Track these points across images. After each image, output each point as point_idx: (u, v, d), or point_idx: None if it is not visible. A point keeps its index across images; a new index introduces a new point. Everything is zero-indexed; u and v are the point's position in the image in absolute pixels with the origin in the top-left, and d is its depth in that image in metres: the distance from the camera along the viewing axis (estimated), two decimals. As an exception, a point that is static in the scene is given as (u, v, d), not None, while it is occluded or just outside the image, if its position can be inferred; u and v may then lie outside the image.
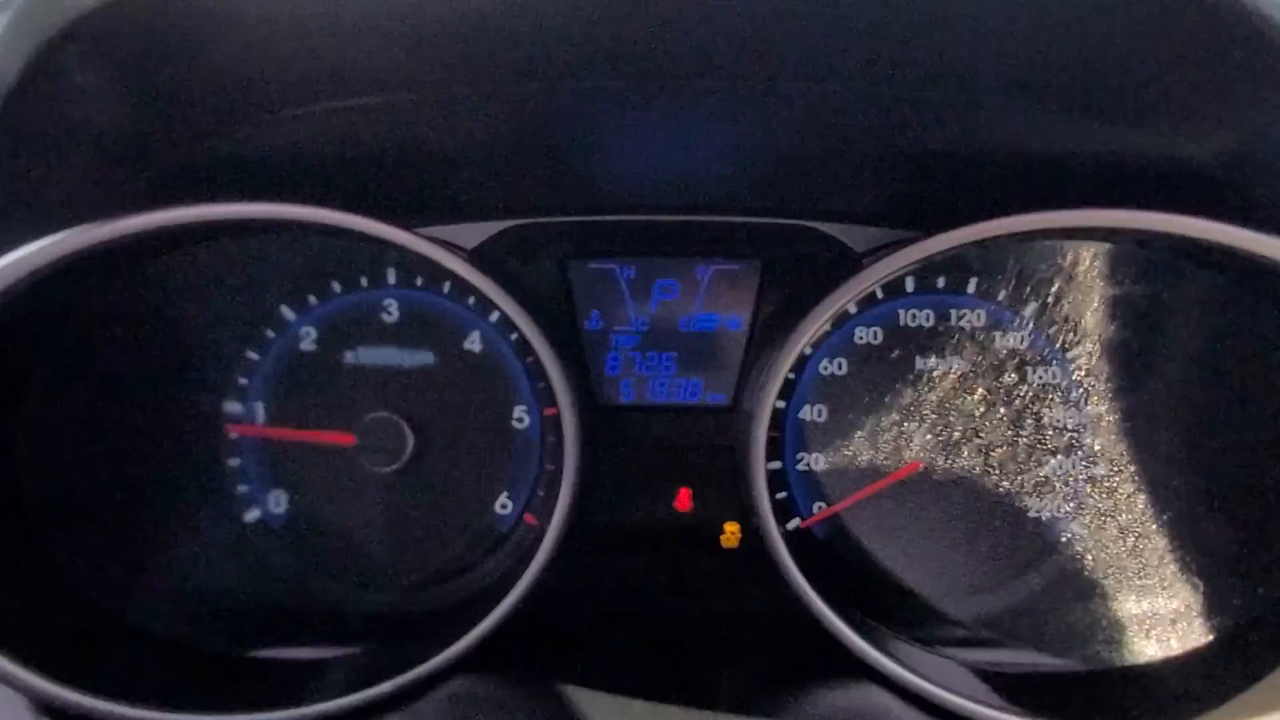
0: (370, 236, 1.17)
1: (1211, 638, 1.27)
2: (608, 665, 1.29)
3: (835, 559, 1.50)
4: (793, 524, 1.49)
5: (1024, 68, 1.07)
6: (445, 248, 1.24)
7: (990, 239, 1.25)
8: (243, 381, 1.50)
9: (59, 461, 1.25)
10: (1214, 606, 1.28)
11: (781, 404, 1.48)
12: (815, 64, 1.11)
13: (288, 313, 1.50)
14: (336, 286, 1.50)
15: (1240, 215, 1.09)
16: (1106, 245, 1.40)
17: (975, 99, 1.17)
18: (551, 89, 1.17)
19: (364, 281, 1.50)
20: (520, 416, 1.50)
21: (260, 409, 1.50)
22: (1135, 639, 1.34)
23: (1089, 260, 1.42)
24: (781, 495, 1.49)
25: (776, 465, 1.49)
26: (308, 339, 1.50)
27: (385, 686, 1.20)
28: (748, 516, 1.39)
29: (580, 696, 1.20)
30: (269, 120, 1.12)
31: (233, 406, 1.50)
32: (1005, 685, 1.24)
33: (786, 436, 1.50)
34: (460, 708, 1.20)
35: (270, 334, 1.50)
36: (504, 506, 1.50)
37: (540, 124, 1.30)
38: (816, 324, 1.30)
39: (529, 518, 1.50)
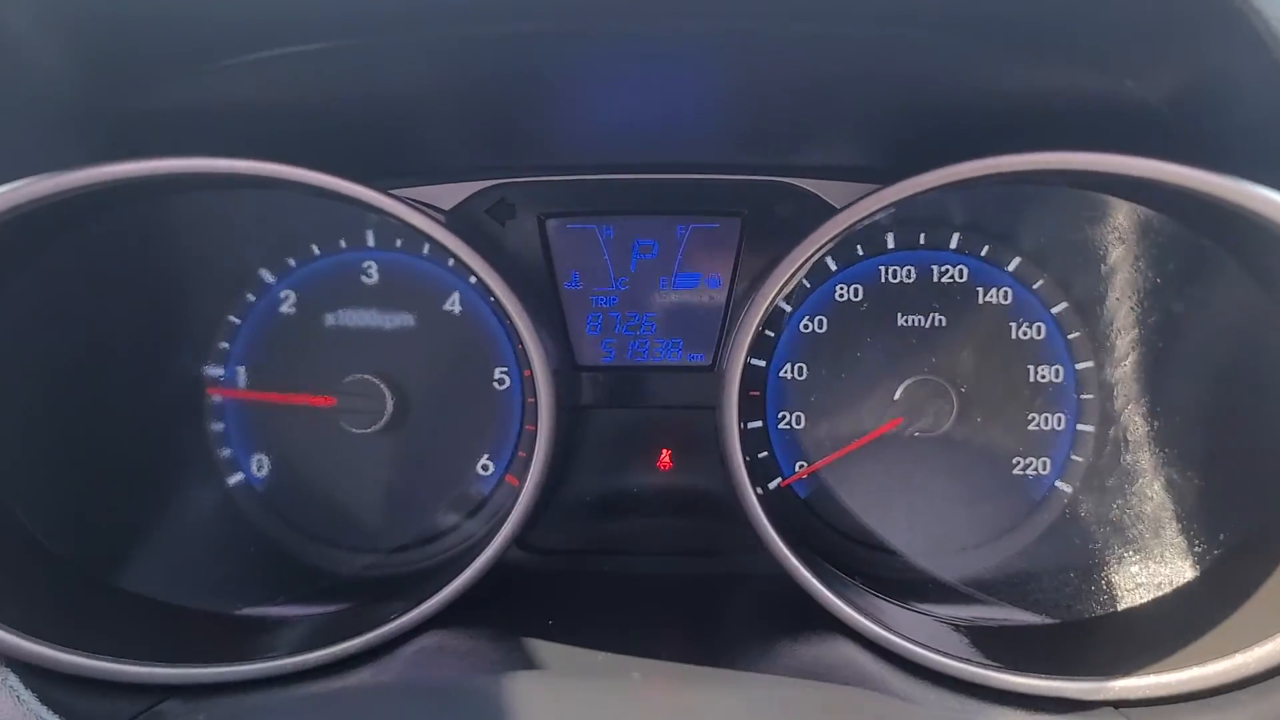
0: (347, 198, 1.16)
1: (1177, 586, 1.25)
2: (578, 621, 1.28)
3: (815, 517, 1.49)
4: (774, 483, 1.48)
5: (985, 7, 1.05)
6: (421, 210, 1.23)
7: (952, 184, 1.21)
8: (224, 345, 1.51)
9: (36, 423, 1.25)
10: (1181, 556, 1.26)
11: (761, 363, 1.47)
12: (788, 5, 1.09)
13: (267, 275, 1.50)
14: (315, 249, 1.50)
15: (1192, 154, 1.06)
16: (1088, 200, 1.37)
17: (942, 40, 1.15)
18: (514, 30, 1.15)
19: (343, 244, 1.50)
20: (500, 378, 1.50)
21: (242, 373, 1.51)
22: (1107, 590, 1.32)
23: (1070, 215, 1.40)
24: (763, 454, 1.48)
25: (758, 424, 1.48)
26: (288, 302, 1.50)
27: (355, 641, 1.20)
28: (725, 478, 1.38)
29: (546, 649, 1.20)
30: (220, 70, 1.11)
31: (214, 370, 1.51)
32: (978, 638, 1.23)
33: (768, 395, 1.49)
34: (426, 659, 1.20)
35: (250, 297, 1.51)
36: (485, 468, 1.51)
37: (513, 81, 1.29)
38: (788, 274, 1.28)
39: (510, 479, 1.50)
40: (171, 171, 1.08)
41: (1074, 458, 1.45)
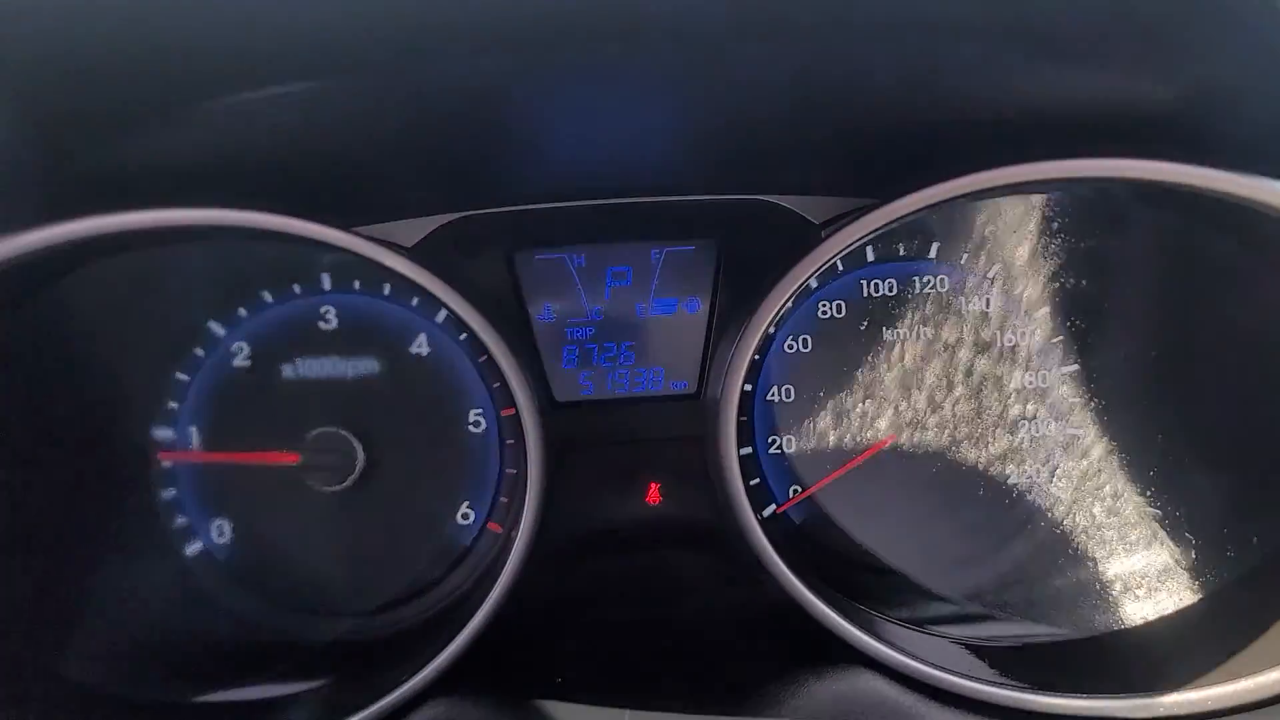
0: (304, 239, 1.07)
1: (1202, 595, 1.25)
2: (589, 675, 1.22)
3: (813, 543, 1.45)
4: (768, 510, 1.43)
5: (982, 13, 1.02)
6: (385, 246, 1.15)
7: (950, 199, 1.21)
8: (172, 405, 1.39)
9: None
10: (1204, 563, 1.25)
11: (748, 387, 1.43)
12: (759, 23, 1.04)
13: (216, 328, 1.40)
14: (267, 296, 1.40)
15: (1197, 155, 1.06)
16: (1066, 201, 1.36)
17: (931, 51, 1.12)
18: (475, 62, 1.08)
19: (296, 289, 1.40)
20: (476, 420, 1.42)
21: (194, 433, 1.40)
22: (1125, 601, 1.31)
23: (1049, 218, 1.39)
24: (754, 481, 1.43)
25: (747, 451, 1.43)
26: (240, 354, 1.40)
27: (356, 718, 1.12)
28: (721, 506, 1.33)
29: (562, 712, 1.13)
30: (173, 120, 1.01)
31: (163, 433, 1.39)
32: (1000, 659, 1.20)
33: (755, 420, 1.44)
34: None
35: (199, 352, 1.40)
36: (465, 516, 1.42)
37: (473, 110, 1.21)
38: (780, 301, 1.25)
39: (493, 525, 1.43)
40: (110, 230, 0.98)
41: (1066, 463, 1.43)
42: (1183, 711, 1.03)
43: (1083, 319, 1.41)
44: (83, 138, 0.94)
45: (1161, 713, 1.04)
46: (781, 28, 1.05)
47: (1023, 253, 1.42)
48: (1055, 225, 1.38)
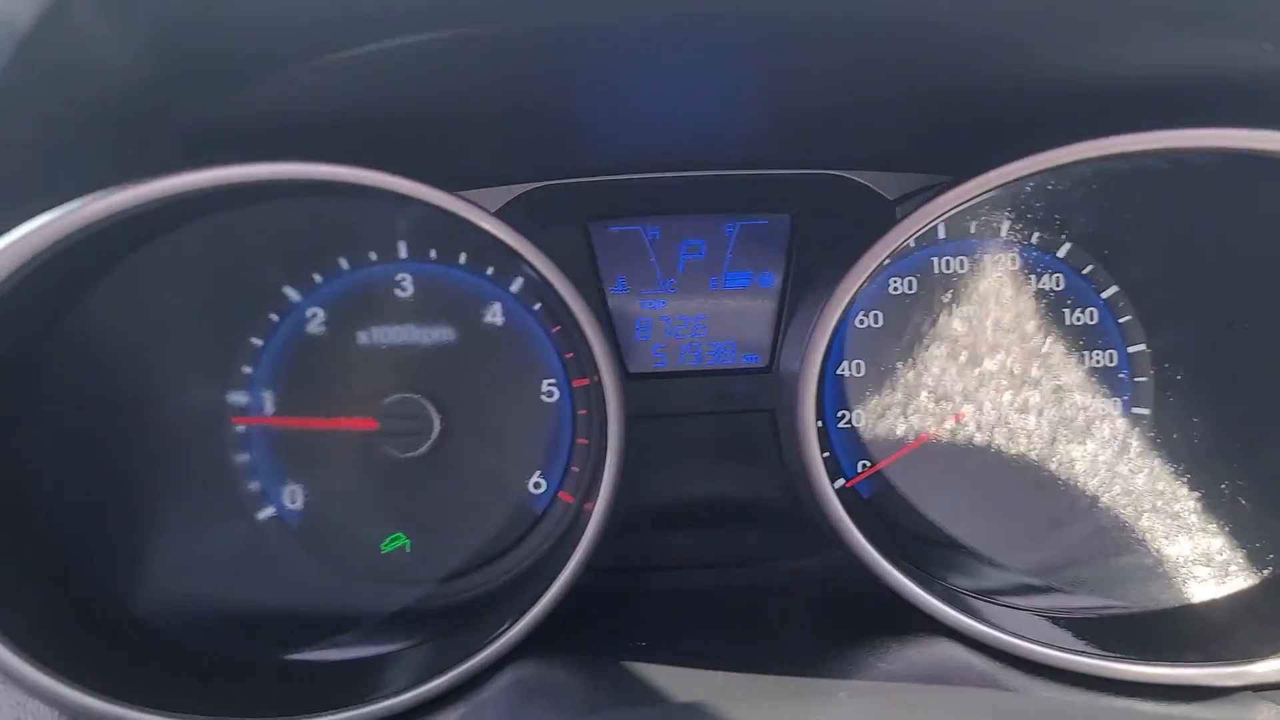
0: (406, 197, 1.08)
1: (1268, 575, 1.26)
2: (671, 641, 1.22)
3: (881, 516, 1.46)
4: (838, 483, 1.44)
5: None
6: (479, 210, 1.16)
7: (1025, 176, 1.21)
8: (246, 370, 1.40)
9: (68, 460, 1.14)
10: (1271, 544, 1.26)
11: (819, 361, 1.43)
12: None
13: (292, 293, 1.40)
14: (344, 263, 1.40)
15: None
16: (1139, 177, 1.37)
17: (1013, 27, 1.13)
18: (552, 24, 1.08)
19: (373, 256, 1.41)
20: (549, 390, 1.42)
21: (268, 398, 1.40)
22: (1195, 578, 1.32)
23: (1120, 195, 1.39)
24: (825, 455, 1.43)
25: (818, 424, 1.43)
26: (315, 320, 1.40)
27: (439, 681, 1.12)
28: (794, 478, 1.34)
29: (648, 673, 1.14)
30: (283, 74, 1.02)
31: (237, 397, 1.39)
32: (1081, 629, 1.21)
33: (826, 394, 1.45)
34: (524, 694, 1.12)
35: (274, 317, 1.40)
36: (537, 485, 1.43)
37: (551, 80, 1.22)
38: (860, 279, 1.24)
39: (564, 495, 1.43)
40: (231, 181, 0.99)
41: (1132, 442, 1.44)
42: (1270, 680, 1.04)
43: (1152, 298, 1.43)
44: (204, 90, 0.94)
45: (1249, 681, 1.05)
46: (856, 10, 1.06)
47: (1093, 232, 1.43)
48: (1127, 203, 1.38)
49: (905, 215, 1.23)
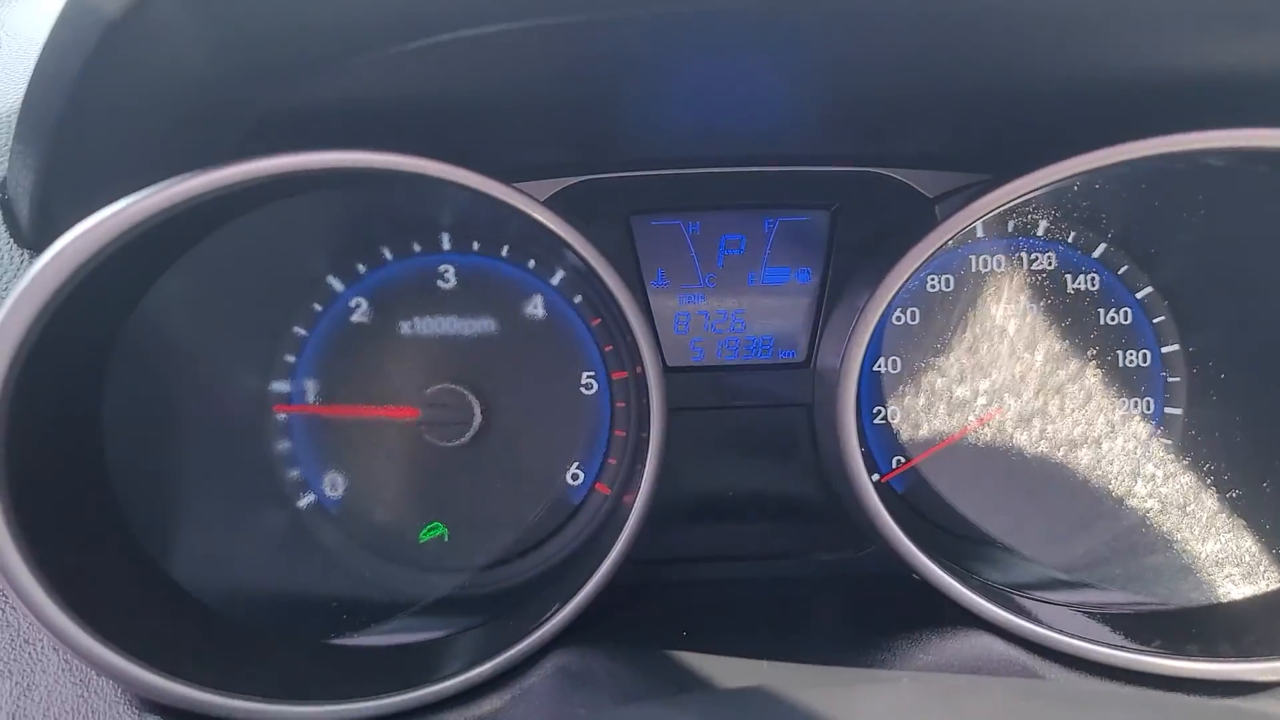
0: (464, 187, 1.09)
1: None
2: (711, 630, 1.24)
3: (916, 511, 1.47)
4: (874, 478, 1.45)
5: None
6: (531, 199, 1.17)
7: (1066, 179, 1.22)
8: (289, 359, 1.41)
9: (134, 440, 1.15)
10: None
11: (855, 357, 1.45)
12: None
13: (335, 283, 1.42)
14: (387, 254, 1.42)
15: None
16: (1177, 179, 1.38)
17: (1059, 28, 1.14)
18: (597, 18, 1.09)
19: (417, 247, 1.42)
20: (588, 382, 1.44)
21: (311, 387, 1.41)
22: (1224, 577, 1.33)
23: (1156, 197, 1.40)
24: (861, 451, 1.45)
25: (854, 420, 1.45)
26: (359, 310, 1.41)
27: (487, 666, 1.13)
28: (831, 472, 1.35)
29: (693, 662, 1.15)
30: (346, 68, 1.03)
31: (280, 386, 1.41)
32: (1117, 624, 1.22)
33: (861, 390, 1.46)
34: (570, 682, 1.14)
35: (317, 307, 1.41)
36: (575, 477, 1.44)
37: (599, 78, 1.23)
38: (903, 278, 1.25)
39: (600, 487, 1.45)
40: (328, 166, 1.00)
41: (1163, 442, 1.46)
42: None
43: (1186, 299, 1.44)
44: (272, 82, 0.95)
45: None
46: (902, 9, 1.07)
47: (1129, 233, 1.45)
48: (1164, 204, 1.39)
49: (947, 215, 1.24)
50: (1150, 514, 1.44)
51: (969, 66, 1.24)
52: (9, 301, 0.92)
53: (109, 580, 1.03)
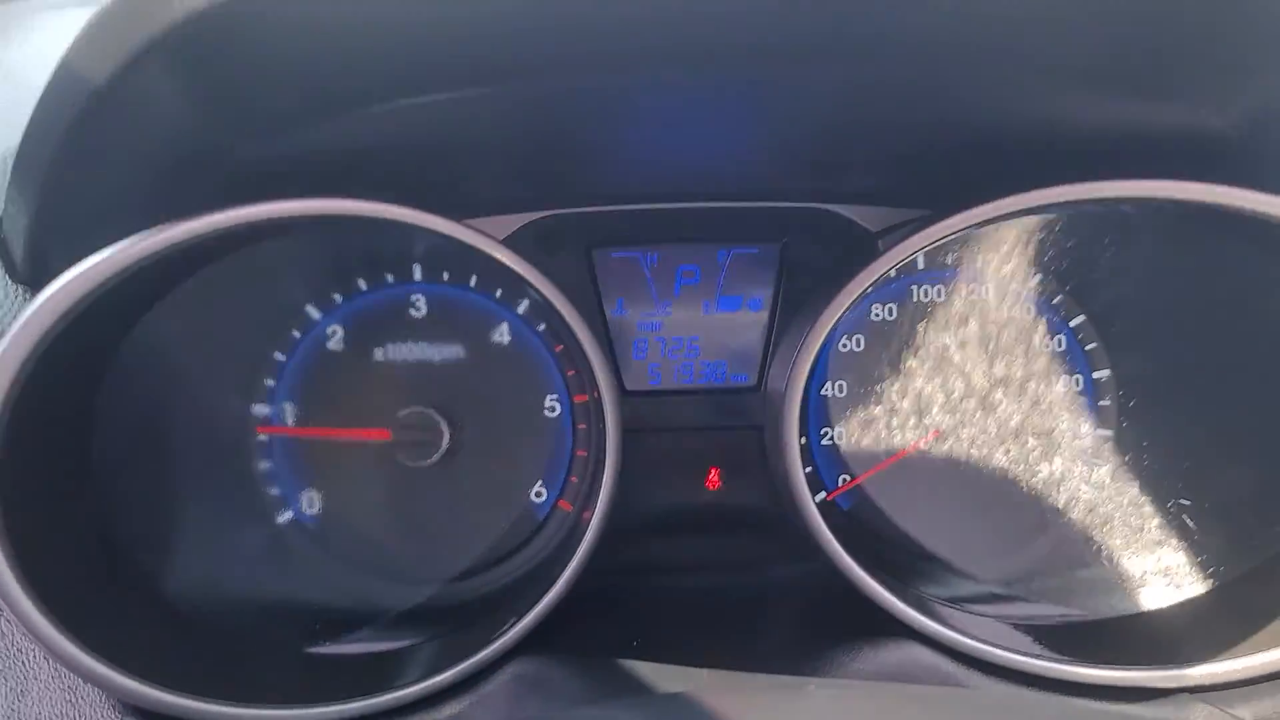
0: (424, 229, 1.18)
1: (1226, 581, 1.35)
2: (661, 640, 1.32)
3: (860, 527, 1.56)
4: (819, 496, 1.54)
5: (1047, 49, 1.12)
6: (491, 239, 1.26)
7: (1003, 216, 1.31)
8: (269, 383, 1.50)
9: (122, 458, 1.24)
10: (1227, 553, 1.36)
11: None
12: (833, 49, 1.14)
13: (313, 311, 1.50)
14: (362, 284, 1.51)
15: (1248, 178, 1.16)
16: (1106, 218, 1.47)
17: (991, 80, 1.23)
18: (572, 81, 1.19)
19: (390, 278, 1.51)
20: (552, 405, 1.52)
21: (289, 410, 1.50)
22: (1152, 588, 1.41)
23: (1089, 233, 1.49)
24: (808, 469, 1.53)
25: (802, 440, 1.53)
26: (335, 337, 1.50)
27: (446, 675, 1.21)
28: (779, 491, 1.44)
29: (642, 671, 1.23)
30: (326, 122, 1.12)
31: (260, 408, 1.49)
32: (1041, 635, 1.31)
33: (810, 413, 1.55)
34: (525, 689, 1.22)
35: (296, 334, 1.50)
36: (539, 494, 1.53)
37: (561, 120, 1.32)
38: (842, 308, 1.34)
39: (563, 503, 1.53)
40: (267, 217, 1.09)
41: (1097, 462, 1.55)
42: (1212, 682, 1.14)
43: (1116, 327, 1.53)
44: (249, 137, 1.04)
45: (1186, 683, 1.15)
46: (842, 54, 1.16)
47: (1061, 265, 1.54)
48: (1093, 240, 1.49)
49: (887, 248, 1.33)
50: (1081, 530, 1.53)
51: (904, 111, 1.33)
52: (6, 338, 1.01)
53: (95, 593, 1.12)
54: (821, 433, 1.56)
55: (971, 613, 1.40)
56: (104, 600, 1.13)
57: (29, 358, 1.02)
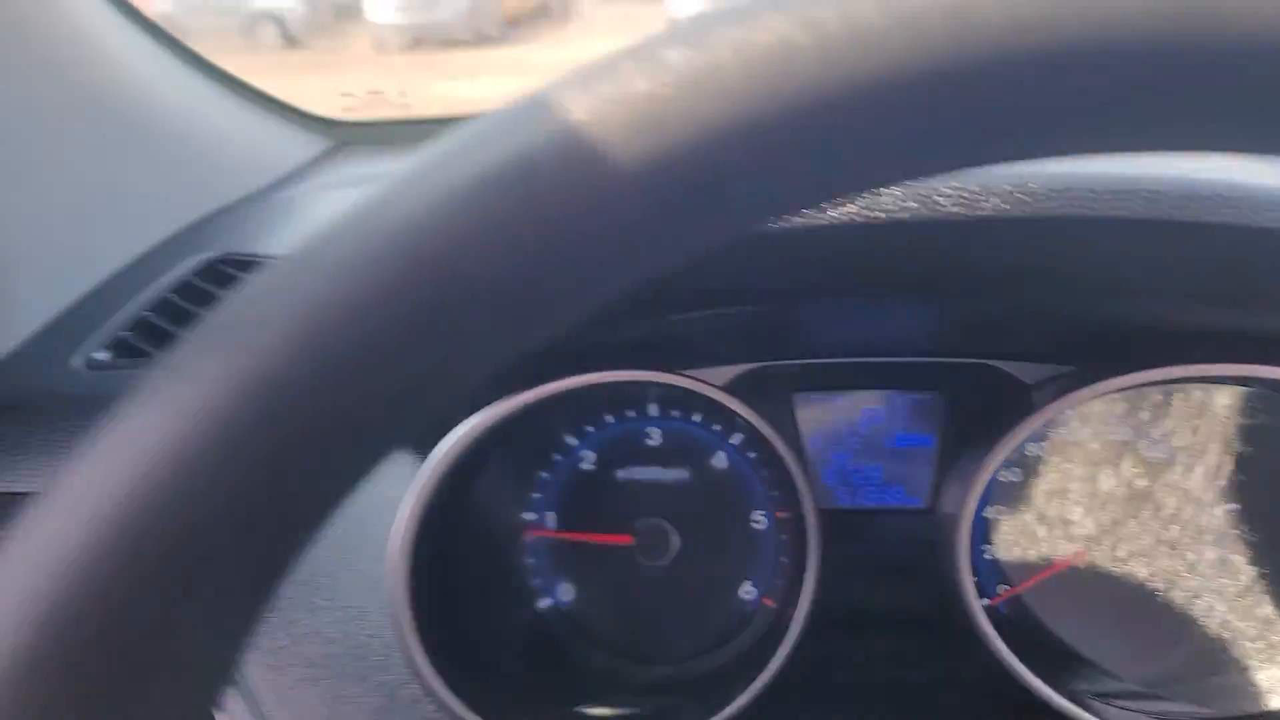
0: (672, 386, 1.58)
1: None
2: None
3: (1017, 629, 1.83)
4: (983, 602, 1.83)
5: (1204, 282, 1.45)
6: (722, 390, 1.64)
7: (1152, 383, 1.61)
8: (536, 495, 1.90)
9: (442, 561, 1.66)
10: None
11: (969, 506, 1.84)
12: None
13: (570, 439, 1.91)
14: (609, 418, 1.91)
15: None
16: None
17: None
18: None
19: (630, 414, 1.91)
20: (758, 519, 1.88)
21: (551, 517, 1.90)
22: (1274, 697, 1.66)
23: (1232, 399, 1.77)
24: (974, 580, 1.84)
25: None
26: (587, 460, 1.90)
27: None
28: (949, 598, 1.75)
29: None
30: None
31: (529, 515, 1.90)
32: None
33: (974, 531, 1.86)
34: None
35: (558, 457, 1.91)
36: (747, 593, 1.87)
37: (779, 318, 1.72)
38: (1005, 452, 1.66)
39: (767, 600, 1.87)
40: (582, 385, 1.51)
41: (1231, 582, 1.80)
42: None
43: (1246, 472, 1.79)
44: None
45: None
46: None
47: (1200, 423, 1.81)
48: (1234, 405, 1.76)
49: (1042, 404, 1.65)
50: (1215, 642, 1.77)
51: (1070, 299, 1.66)
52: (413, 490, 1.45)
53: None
54: (982, 549, 1.86)
55: (1118, 708, 1.66)
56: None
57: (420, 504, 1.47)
